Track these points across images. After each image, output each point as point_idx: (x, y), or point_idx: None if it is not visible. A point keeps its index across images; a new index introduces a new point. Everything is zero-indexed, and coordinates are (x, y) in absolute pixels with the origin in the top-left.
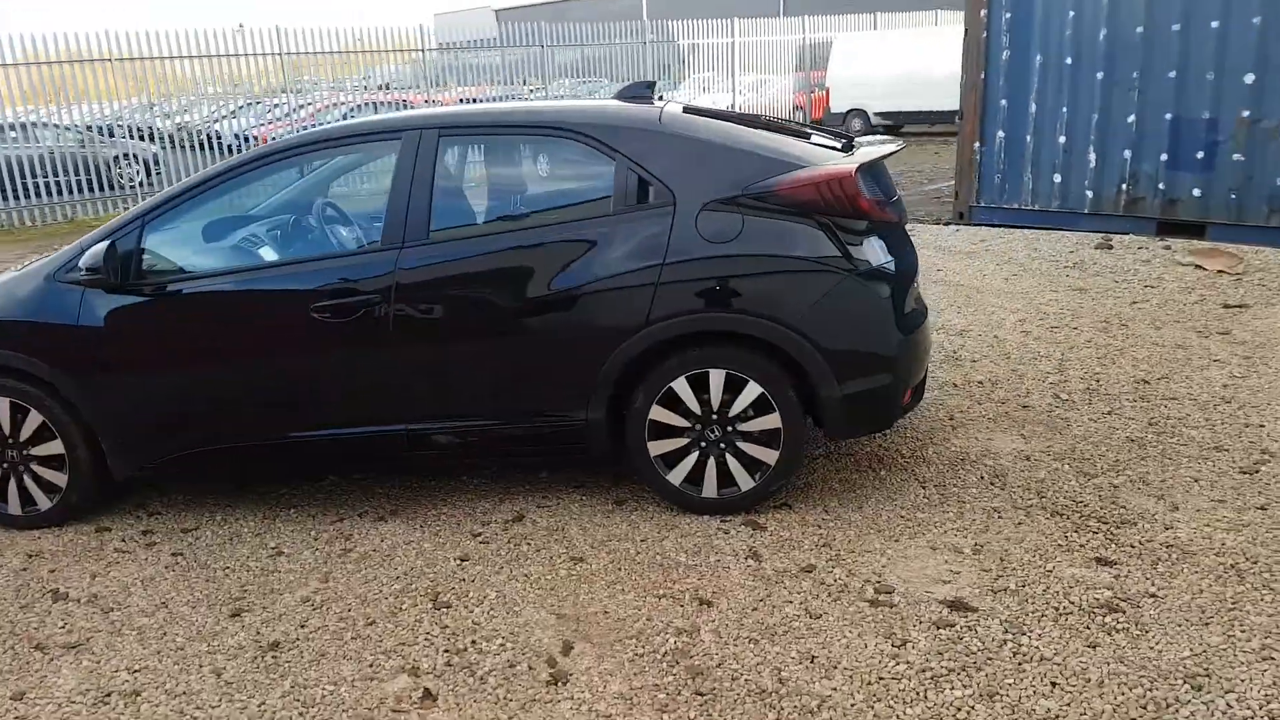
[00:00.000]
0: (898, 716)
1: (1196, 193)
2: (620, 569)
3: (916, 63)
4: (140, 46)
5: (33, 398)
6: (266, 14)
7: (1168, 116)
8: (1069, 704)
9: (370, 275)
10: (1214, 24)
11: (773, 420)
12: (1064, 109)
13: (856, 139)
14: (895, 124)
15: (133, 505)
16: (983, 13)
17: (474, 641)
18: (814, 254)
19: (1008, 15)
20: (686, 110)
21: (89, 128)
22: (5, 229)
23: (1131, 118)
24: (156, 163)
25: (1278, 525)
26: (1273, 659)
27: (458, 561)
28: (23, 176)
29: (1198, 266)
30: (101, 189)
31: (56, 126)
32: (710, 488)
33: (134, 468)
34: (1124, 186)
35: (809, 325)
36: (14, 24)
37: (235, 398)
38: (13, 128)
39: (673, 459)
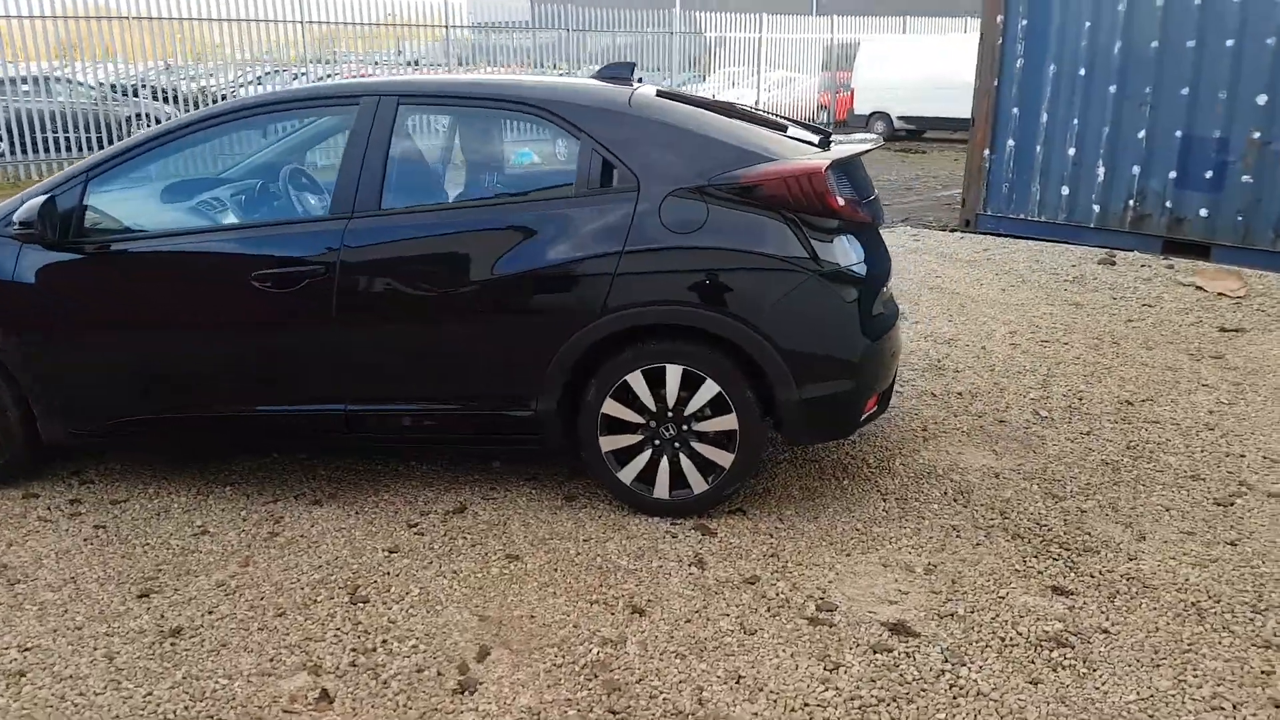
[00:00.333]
0: None
1: (1203, 213)
2: (556, 570)
3: (942, 68)
4: (163, 7)
5: None
6: None
7: (1178, 134)
8: None
9: (315, 246)
10: (1229, 42)
11: (729, 421)
12: (1075, 120)
13: (834, 135)
14: (918, 128)
15: (67, 472)
16: (999, 19)
17: (384, 641)
18: (779, 251)
19: (1024, 23)
20: (660, 94)
21: (113, 87)
22: (12, 181)
23: (1142, 133)
24: None
25: (1246, 562)
26: (1222, 709)
27: (386, 553)
28: (34, 131)
29: (1198, 287)
30: None
31: (70, 82)
32: (662, 488)
33: (63, 433)
34: (1131, 202)
35: (769, 324)
36: None
37: (171, 366)
38: (24, 80)
39: (625, 456)
